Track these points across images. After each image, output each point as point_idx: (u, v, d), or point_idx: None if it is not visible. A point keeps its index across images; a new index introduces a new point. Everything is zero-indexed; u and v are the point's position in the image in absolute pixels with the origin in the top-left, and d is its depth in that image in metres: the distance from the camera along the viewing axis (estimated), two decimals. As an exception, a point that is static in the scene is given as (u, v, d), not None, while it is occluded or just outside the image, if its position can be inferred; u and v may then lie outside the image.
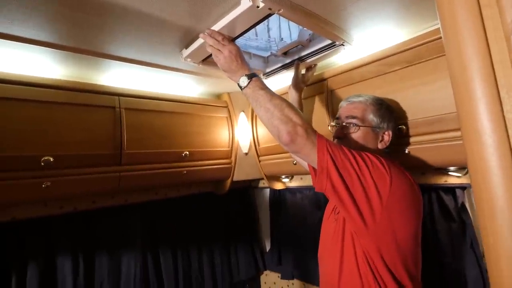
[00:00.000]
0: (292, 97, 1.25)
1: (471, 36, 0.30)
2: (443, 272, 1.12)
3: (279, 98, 0.86)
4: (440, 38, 0.92)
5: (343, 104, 1.04)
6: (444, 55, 0.92)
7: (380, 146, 0.95)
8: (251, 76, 0.89)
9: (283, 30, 1.83)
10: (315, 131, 0.81)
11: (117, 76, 1.26)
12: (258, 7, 0.78)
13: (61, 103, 1.11)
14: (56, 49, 0.96)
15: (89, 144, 1.17)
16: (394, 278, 0.77)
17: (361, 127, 0.95)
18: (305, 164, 1.08)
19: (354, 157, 0.77)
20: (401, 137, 1.04)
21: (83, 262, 1.32)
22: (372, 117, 0.95)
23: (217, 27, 0.89)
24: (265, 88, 0.88)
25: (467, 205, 1.11)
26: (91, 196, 1.36)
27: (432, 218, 1.16)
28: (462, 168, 1.07)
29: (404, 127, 1.03)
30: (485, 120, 0.29)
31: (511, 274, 0.28)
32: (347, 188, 0.75)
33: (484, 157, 0.29)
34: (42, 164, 1.04)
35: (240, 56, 0.91)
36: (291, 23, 1.59)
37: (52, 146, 1.07)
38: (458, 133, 0.92)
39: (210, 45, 0.92)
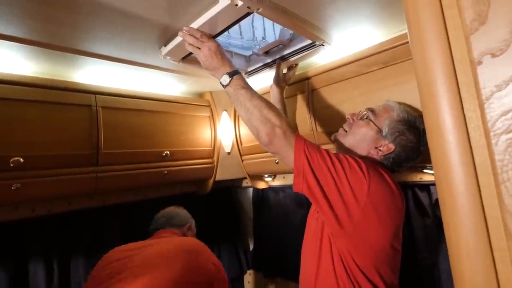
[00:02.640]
0: (274, 96, 1.26)
1: (434, 36, 0.31)
2: (418, 266, 1.16)
3: (259, 98, 0.85)
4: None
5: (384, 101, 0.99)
6: (418, 56, 0.95)
7: (372, 152, 0.89)
8: (233, 74, 0.88)
9: (268, 29, 1.83)
10: (294, 133, 0.82)
11: (93, 74, 1.22)
12: (236, 5, 0.78)
13: (32, 101, 1.05)
14: (27, 44, 0.91)
15: (63, 144, 1.12)
16: (369, 281, 0.77)
17: (370, 123, 0.90)
18: None
19: (331, 160, 0.77)
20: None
21: (57, 267, 1.27)
22: (386, 122, 0.88)
23: (195, 24, 0.88)
24: (246, 87, 0.87)
25: (441, 201, 1.15)
26: (66, 198, 1.31)
27: (408, 215, 1.19)
28: (436, 165, 1.11)
29: None
30: (447, 118, 0.30)
31: (472, 267, 0.29)
32: (322, 190, 0.75)
33: (446, 154, 0.30)
34: (11, 165, 0.99)
35: (220, 52, 0.90)
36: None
37: (22, 146, 1.02)
38: (431, 132, 0.95)
39: (190, 44, 0.91)
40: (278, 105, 1.24)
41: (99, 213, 1.43)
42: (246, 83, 0.89)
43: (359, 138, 0.91)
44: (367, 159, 0.86)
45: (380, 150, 0.88)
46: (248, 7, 0.80)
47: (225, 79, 0.88)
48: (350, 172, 0.75)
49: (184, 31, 0.89)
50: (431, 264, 1.14)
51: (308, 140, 0.81)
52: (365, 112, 0.93)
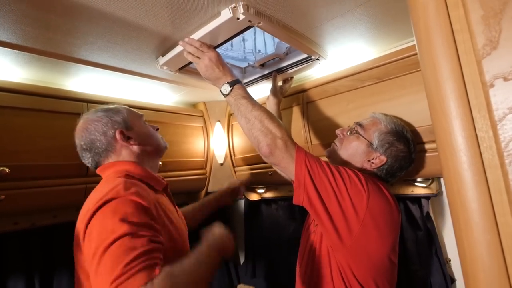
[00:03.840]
0: (270, 107, 1.27)
1: (445, 59, 0.32)
2: (410, 279, 1.17)
3: (260, 108, 0.86)
4: (408, 56, 0.98)
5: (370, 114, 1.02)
6: (411, 72, 0.99)
7: (366, 165, 0.91)
8: (234, 83, 0.88)
9: (258, 42, 1.86)
10: (294, 144, 0.82)
11: (86, 82, 1.19)
12: (238, 19, 0.79)
13: (21, 109, 1.01)
14: (21, 51, 0.88)
15: (52, 153, 1.08)
16: None
17: (360, 137, 0.93)
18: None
19: (332, 172, 0.77)
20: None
21: (39, 283, 1.20)
22: (375, 135, 0.91)
23: (196, 36, 0.89)
24: (247, 97, 0.87)
25: (431, 214, 1.18)
26: (52, 210, 1.25)
27: (400, 227, 1.20)
28: (427, 179, 1.14)
29: None
30: (460, 138, 0.31)
31: (487, 284, 0.29)
32: (323, 203, 0.76)
33: (459, 173, 0.31)
34: (-4, 175, 0.94)
35: (221, 62, 0.91)
36: (266, 35, 1.63)
37: (8, 155, 0.97)
38: (425, 146, 0.98)
39: (189, 53, 0.91)
40: (274, 117, 1.25)
41: (86, 226, 1.37)
42: (247, 93, 0.89)
43: (351, 152, 0.94)
44: (363, 172, 0.88)
45: (373, 162, 0.90)
46: (249, 21, 0.81)
47: (226, 88, 0.88)
48: (350, 185, 0.76)
49: (185, 41, 0.90)
50: (423, 276, 1.15)
51: (309, 152, 0.82)
52: (354, 126, 0.96)
